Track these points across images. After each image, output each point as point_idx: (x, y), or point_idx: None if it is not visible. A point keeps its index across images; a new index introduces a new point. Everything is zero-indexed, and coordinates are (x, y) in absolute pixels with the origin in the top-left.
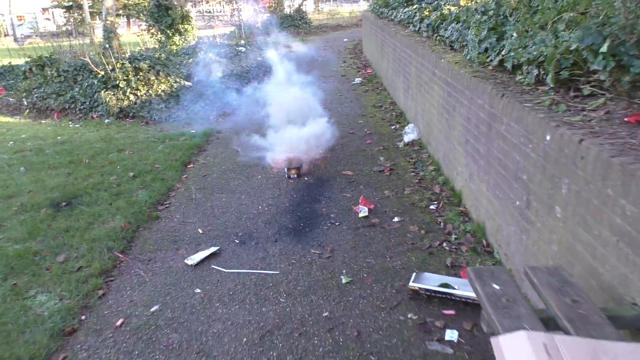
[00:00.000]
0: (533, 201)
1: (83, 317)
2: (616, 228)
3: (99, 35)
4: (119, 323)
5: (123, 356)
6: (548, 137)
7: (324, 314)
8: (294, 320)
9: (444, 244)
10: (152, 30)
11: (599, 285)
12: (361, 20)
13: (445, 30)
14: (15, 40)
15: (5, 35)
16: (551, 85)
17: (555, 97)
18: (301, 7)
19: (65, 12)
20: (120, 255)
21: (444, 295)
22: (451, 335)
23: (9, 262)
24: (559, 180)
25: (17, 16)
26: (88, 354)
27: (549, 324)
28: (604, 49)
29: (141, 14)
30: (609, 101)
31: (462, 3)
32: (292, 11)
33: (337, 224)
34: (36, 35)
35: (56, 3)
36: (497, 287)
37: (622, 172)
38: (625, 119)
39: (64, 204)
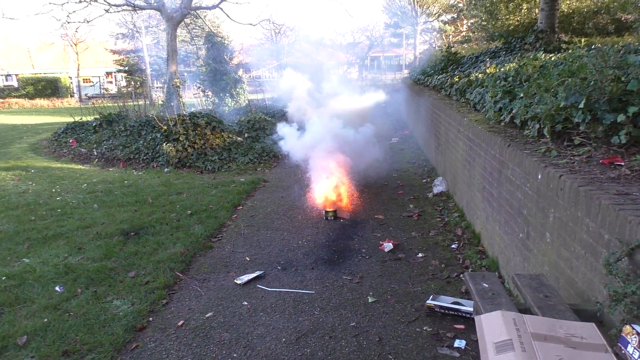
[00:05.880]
0: (531, 232)
1: (150, 319)
2: (584, 242)
3: (155, 96)
4: (180, 324)
5: (184, 347)
6: (539, 176)
7: (351, 324)
8: (326, 327)
9: (461, 275)
10: (207, 93)
11: (575, 292)
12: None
13: (471, 93)
14: (80, 100)
15: (71, 96)
16: (548, 137)
17: (551, 146)
18: (346, 73)
19: (127, 75)
20: (180, 275)
21: (455, 312)
22: (459, 343)
23: (89, 275)
24: (547, 210)
25: (83, 79)
26: (155, 344)
27: (525, 312)
28: (582, 105)
29: (198, 79)
30: (594, 149)
31: (488, 71)
32: (336, 78)
33: (367, 257)
34: (98, 98)
35: (120, 67)
36: (486, 285)
37: (586, 197)
38: (601, 161)
39: (132, 233)
